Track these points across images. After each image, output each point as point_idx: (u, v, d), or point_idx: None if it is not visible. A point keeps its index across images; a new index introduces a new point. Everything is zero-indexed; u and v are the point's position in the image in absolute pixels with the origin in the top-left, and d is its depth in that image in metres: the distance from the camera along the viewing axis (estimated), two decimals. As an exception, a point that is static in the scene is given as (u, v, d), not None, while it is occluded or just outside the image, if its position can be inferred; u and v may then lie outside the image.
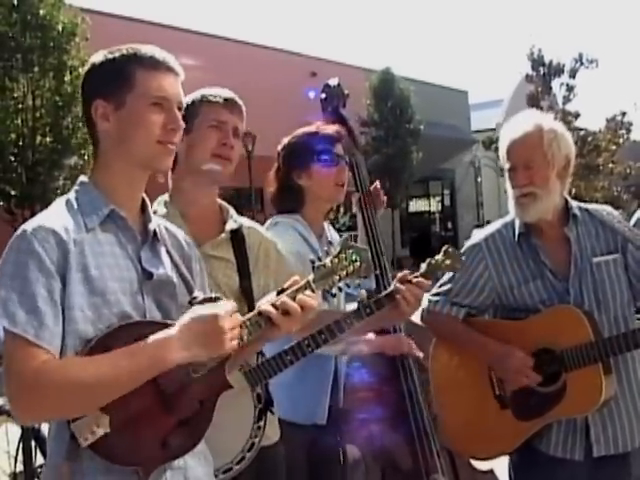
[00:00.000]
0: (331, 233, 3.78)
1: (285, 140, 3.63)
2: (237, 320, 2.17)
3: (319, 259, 3.35)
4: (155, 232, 2.32)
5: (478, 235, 3.49)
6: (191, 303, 2.22)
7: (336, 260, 2.42)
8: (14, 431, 5.58)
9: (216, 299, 2.21)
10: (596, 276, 3.23)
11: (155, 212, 2.87)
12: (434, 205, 44.36)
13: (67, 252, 2.09)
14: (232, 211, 3.13)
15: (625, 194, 36.10)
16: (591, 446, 3.20)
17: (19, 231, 2.10)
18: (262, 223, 3.60)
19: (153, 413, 2.11)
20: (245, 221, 3.15)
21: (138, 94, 2.21)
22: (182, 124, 2.29)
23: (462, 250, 3.48)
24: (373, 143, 30.36)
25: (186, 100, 2.99)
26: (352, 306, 3.11)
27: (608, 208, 3.42)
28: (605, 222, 3.28)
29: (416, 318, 3.56)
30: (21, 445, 5.45)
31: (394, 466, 3.63)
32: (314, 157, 3.51)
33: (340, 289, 2.41)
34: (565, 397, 3.13)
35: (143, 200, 2.35)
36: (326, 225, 3.73)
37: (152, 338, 2.06)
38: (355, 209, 3.83)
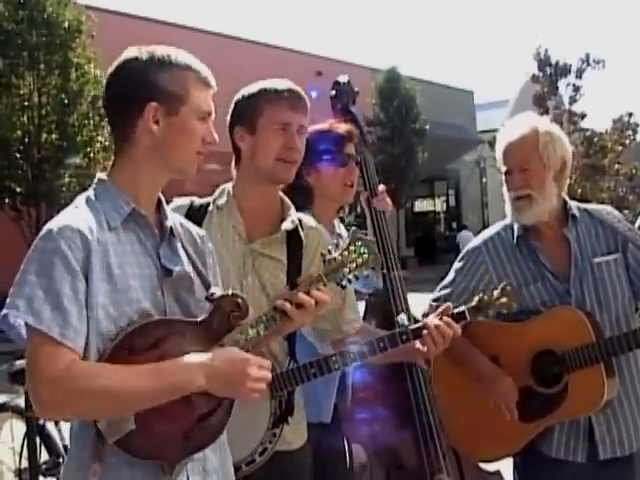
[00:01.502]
0: (341, 231, 3.77)
1: None
2: (265, 374, 2.21)
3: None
4: (172, 229, 2.37)
5: (478, 238, 3.50)
6: (208, 299, 2.29)
7: (346, 253, 2.49)
8: (19, 427, 5.64)
9: (233, 295, 2.28)
10: (597, 276, 3.23)
11: (215, 201, 2.98)
12: (439, 205, 44.33)
13: (91, 252, 2.13)
14: (292, 210, 3.07)
15: (631, 195, 36.02)
16: (595, 448, 3.20)
17: (44, 231, 2.14)
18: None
19: (175, 410, 2.16)
20: (307, 220, 3.10)
21: (191, 108, 2.29)
22: (217, 138, 2.37)
23: (462, 254, 3.50)
24: (378, 143, 30.29)
25: (242, 92, 3.03)
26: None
27: (608, 208, 3.44)
28: (605, 222, 3.29)
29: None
30: (26, 441, 5.48)
31: (399, 466, 3.63)
32: (323, 156, 3.51)
33: (350, 281, 2.44)
34: (567, 398, 3.13)
35: (159, 198, 2.40)
36: (336, 222, 3.72)
37: (178, 362, 2.13)
38: (363, 208, 3.83)
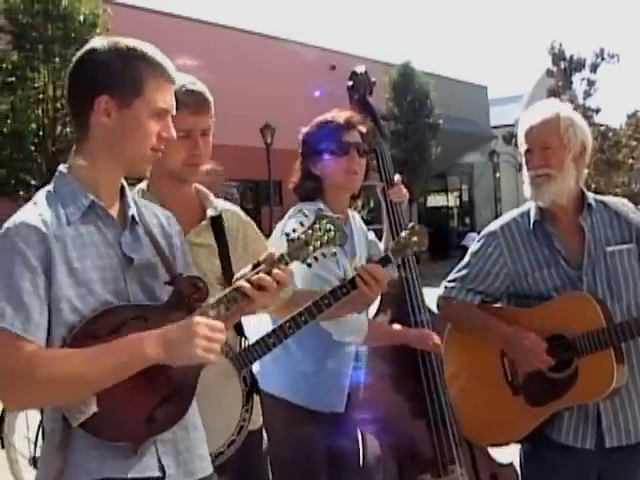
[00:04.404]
0: (356, 221, 3.78)
1: (304, 130, 3.66)
2: (218, 336, 2.20)
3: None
4: (134, 217, 2.38)
5: (495, 223, 3.53)
6: (170, 283, 2.35)
7: (310, 231, 2.47)
8: (34, 416, 5.68)
9: (193, 278, 2.35)
10: (609, 265, 3.26)
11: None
12: (452, 200, 44.27)
13: (50, 247, 2.17)
14: (212, 196, 3.14)
15: (645, 190, 35.88)
16: (602, 436, 3.22)
17: (2, 230, 2.18)
18: (281, 216, 3.64)
19: (137, 391, 2.20)
20: (223, 204, 3.17)
21: (145, 101, 2.28)
22: (175, 134, 2.37)
23: (479, 237, 3.53)
24: (392, 137, 30.25)
25: None
26: None
27: (623, 200, 3.47)
28: (620, 213, 3.32)
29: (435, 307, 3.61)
30: (41, 430, 5.54)
31: (411, 456, 3.65)
32: (323, 147, 3.53)
33: (316, 259, 2.45)
34: (577, 383, 3.15)
35: (122, 186, 2.42)
36: (350, 212, 3.72)
37: (131, 336, 2.16)
38: (379, 199, 3.84)
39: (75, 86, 2.34)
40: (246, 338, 3.00)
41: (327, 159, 3.53)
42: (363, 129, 3.61)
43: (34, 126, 17.57)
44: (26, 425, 5.84)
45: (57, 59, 17.69)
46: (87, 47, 2.32)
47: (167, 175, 2.95)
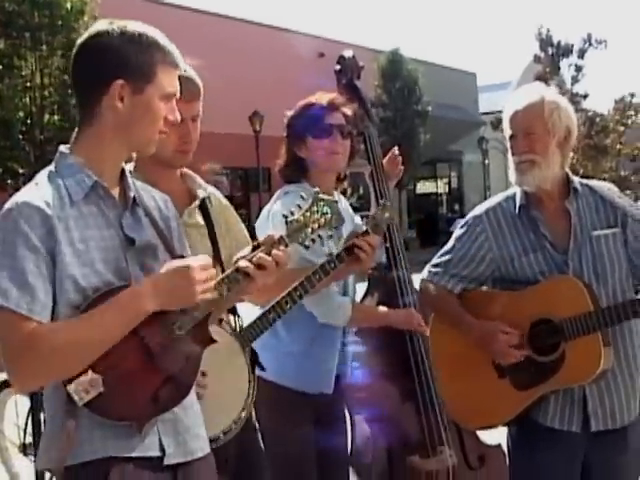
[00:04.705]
0: (342, 203, 3.79)
1: (288, 113, 3.68)
2: (210, 273, 2.30)
3: None
4: (135, 198, 2.42)
5: (480, 207, 3.53)
6: None
7: (308, 214, 2.53)
8: (23, 403, 5.69)
9: None
10: (595, 249, 3.27)
11: None
12: (441, 187, 44.32)
13: (53, 227, 2.19)
14: (198, 178, 3.21)
15: (633, 176, 35.99)
16: (588, 419, 3.24)
17: (4, 210, 2.20)
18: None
19: (142, 371, 2.26)
20: (204, 184, 3.24)
21: (156, 87, 2.33)
22: (179, 117, 2.42)
23: (464, 221, 3.54)
24: (381, 124, 30.26)
25: None
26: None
27: (609, 184, 3.48)
28: (605, 197, 3.32)
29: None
30: (30, 417, 5.57)
31: (400, 437, 3.68)
32: (307, 129, 3.57)
33: (313, 241, 2.51)
34: (564, 366, 3.16)
35: (122, 169, 2.45)
36: (337, 195, 3.73)
37: (123, 292, 2.22)
38: (367, 184, 3.86)
39: (85, 70, 2.34)
40: (239, 316, 3.11)
41: (310, 141, 3.57)
42: (347, 111, 3.63)
43: (21, 114, 17.51)
44: (15, 412, 5.85)
45: (44, 47, 17.63)
46: (92, 31, 2.33)
47: (154, 160, 2.96)
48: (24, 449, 5.80)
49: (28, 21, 17.30)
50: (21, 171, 17.49)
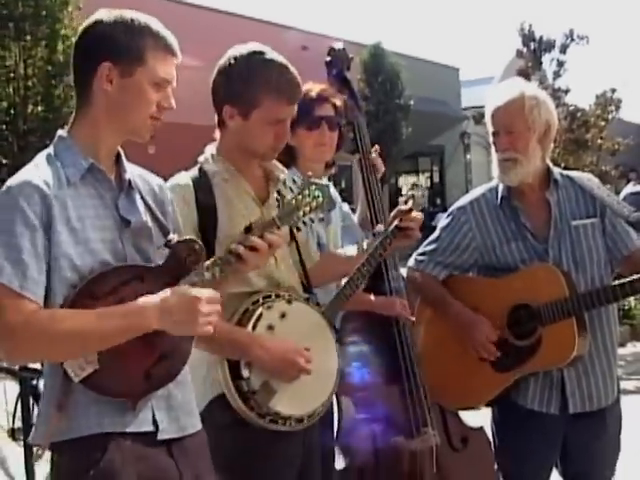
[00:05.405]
0: (331, 189, 3.86)
1: None
2: (215, 308, 2.32)
3: None
4: (130, 181, 2.48)
5: (464, 198, 3.64)
6: (167, 245, 2.43)
7: (300, 197, 2.60)
8: (12, 388, 5.73)
9: (189, 241, 2.43)
10: (574, 238, 3.37)
11: (211, 172, 3.01)
12: (423, 181, 44.18)
13: (50, 206, 2.25)
14: (280, 168, 3.19)
15: (613, 170, 36.05)
16: (566, 401, 3.35)
17: (4, 188, 2.26)
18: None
19: (137, 349, 2.30)
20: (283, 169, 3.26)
21: (147, 71, 2.37)
22: (174, 104, 2.44)
23: (448, 212, 3.65)
24: (363, 117, 30.19)
25: (239, 71, 2.93)
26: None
27: (589, 175, 3.57)
28: (585, 188, 3.42)
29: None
30: (19, 402, 5.57)
31: (386, 419, 3.73)
32: (296, 119, 3.59)
33: (305, 224, 2.57)
34: (540, 350, 3.28)
35: (118, 152, 2.51)
36: (325, 182, 3.81)
37: (134, 304, 2.24)
38: (355, 172, 3.93)
39: (79, 54, 2.43)
40: (314, 294, 3.15)
41: (298, 131, 3.62)
42: (337, 102, 3.71)
43: (5, 105, 17.37)
44: (4, 398, 5.89)
45: (28, 37, 17.42)
46: (93, 18, 2.41)
47: (244, 150, 3.00)
48: (13, 434, 5.84)
49: (12, 11, 17.13)
50: (4, 162, 17.32)
